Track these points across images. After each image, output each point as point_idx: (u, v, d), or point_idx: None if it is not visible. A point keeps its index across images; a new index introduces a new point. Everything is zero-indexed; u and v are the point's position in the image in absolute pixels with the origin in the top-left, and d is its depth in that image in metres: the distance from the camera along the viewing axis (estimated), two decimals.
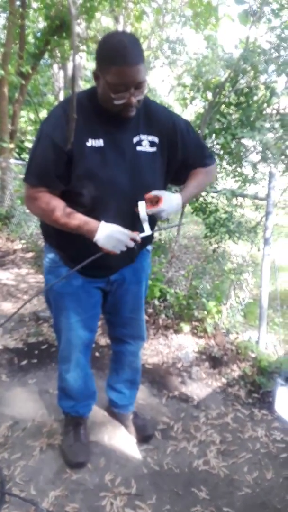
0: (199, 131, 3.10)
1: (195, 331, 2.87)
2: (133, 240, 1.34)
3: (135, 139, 1.39)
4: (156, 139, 1.43)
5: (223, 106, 3.39)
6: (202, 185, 1.60)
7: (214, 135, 3.28)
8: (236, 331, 2.91)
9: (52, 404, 2.07)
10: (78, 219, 1.34)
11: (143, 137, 1.40)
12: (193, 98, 3.72)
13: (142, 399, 2.17)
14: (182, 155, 1.49)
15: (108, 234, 1.31)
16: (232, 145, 3.27)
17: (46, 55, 7.52)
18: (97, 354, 2.57)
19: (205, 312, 2.87)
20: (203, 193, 3.29)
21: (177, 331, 2.85)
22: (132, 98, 1.24)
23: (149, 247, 1.76)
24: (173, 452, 1.84)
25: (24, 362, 2.46)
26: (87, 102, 1.34)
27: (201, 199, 3.30)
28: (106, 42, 1.24)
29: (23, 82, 6.04)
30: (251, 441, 1.95)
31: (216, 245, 3.31)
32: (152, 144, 1.42)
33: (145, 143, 1.41)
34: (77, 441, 1.76)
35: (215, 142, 3.34)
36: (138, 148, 1.40)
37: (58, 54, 8.22)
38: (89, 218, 1.35)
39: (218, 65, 3.47)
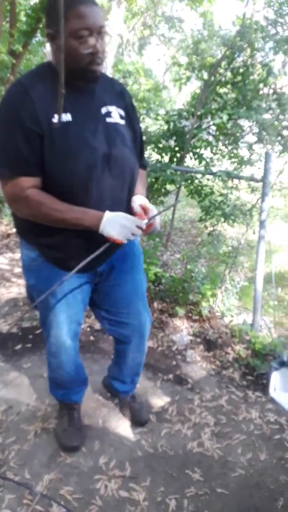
0: (195, 111, 3.03)
1: (190, 314, 2.86)
2: (139, 227, 1.27)
3: (103, 110, 1.30)
4: (122, 112, 1.36)
5: (219, 85, 3.30)
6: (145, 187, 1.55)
7: (210, 115, 3.21)
8: (231, 314, 2.91)
9: (47, 389, 2.06)
10: (76, 211, 1.25)
11: (110, 108, 1.32)
12: (188, 78, 3.63)
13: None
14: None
15: (115, 221, 1.23)
16: (229, 126, 3.20)
17: (38, 33, 7.29)
18: (92, 338, 2.56)
19: (200, 296, 2.85)
20: (198, 175, 3.24)
21: (172, 314, 2.84)
22: (98, 45, 1.17)
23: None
24: (168, 435, 1.85)
25: (19, 347, 2.45)
26: (44, 76, 1.23)
27: (196, 181, 3.25)
28: None
29: (14, 61, 5.85)
30: (245, 423, 1.97)
31: (211, 228, 3.28)
32: (121, 116, 1.36)
33: (115, 114, 1.33)
34: (71, 425, 1.76)
35: (211, 123, 3.27)
36: (108, 119, 1.31)
37: None
38: (86, 208, 1.26)
39: (214, 43, 3.37)
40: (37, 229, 1.31)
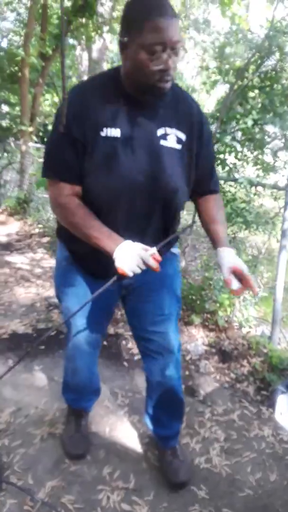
0: (220, 116, 2.97)
1: (206, 323, 2.80)
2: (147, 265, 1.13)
3: (159, 132, 1.20)
4: (183, 136, 1.24)
5: (246, 89, 3.23)
6: (224, 218, 1.41)
7: (235, 120, 3.15)
8: (249, 325, 2.83)
9: (56, 392, 2.06)
10: (100, 231, 1.18)
11: (169, 130, 1.22)
12: (215, 82, 3.58)
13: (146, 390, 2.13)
14: (200, 166, 1.32)
15: (127, 253, 1.13)
16: (255, 131, 3.12)
17: (69, 37, 7.41)
18: (105, 343, 2.55)
19: (217, 305, 2.79)
20: (221, 181, 3.18)
21: (188, 322, 2.79)
22: (170, 61, 1.06)
23: (176, 250, 1.51)
24: None
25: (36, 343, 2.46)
26: (108, 84, 1.19)
27: None
28: (132, 2, 1.09)
29: (44, 64, 5.97)
30: (256, 440, 1.90)
31: (232, 236, 3.20)
32: (179, 140, 1.23)
33: (171, 138, 1.22)
34: (77, 432, 1.74)
35: (236, 128, 3.20)
36: (162, 142, 1.21)
37: (83, 37, 8.06)
38: (112, 232, 1.19)
39: (242, 47, 3.30)
40: (69, 232, 1.28)
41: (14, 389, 2.07)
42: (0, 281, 3.44)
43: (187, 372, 2.35)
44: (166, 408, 1.63)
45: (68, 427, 1.77)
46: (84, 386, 1.70)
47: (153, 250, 1.15)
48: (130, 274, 1.13)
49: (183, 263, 3.27)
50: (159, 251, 1.18)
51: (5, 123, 6.65)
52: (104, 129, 1.17)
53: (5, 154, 6.17)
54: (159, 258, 1.14)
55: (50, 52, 5.94)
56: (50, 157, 1.24)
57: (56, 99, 10.42)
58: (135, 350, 2.50)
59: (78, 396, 1.74)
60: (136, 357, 2.43)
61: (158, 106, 1.20)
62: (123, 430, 1.87)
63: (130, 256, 1.12)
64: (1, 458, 1.64)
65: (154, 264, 1.13)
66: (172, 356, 1.52)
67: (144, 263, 1.12)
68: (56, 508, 1.45)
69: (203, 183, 1.37)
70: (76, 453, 1.69)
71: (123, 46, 1.11)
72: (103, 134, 1.16)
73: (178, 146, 1.24)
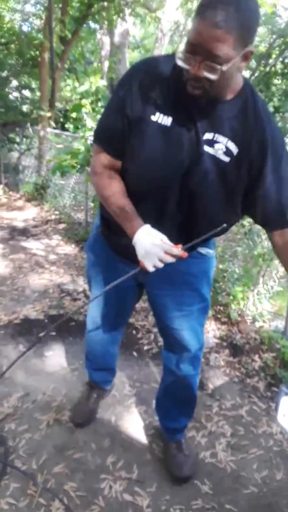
0: None
1: (219, 316, 2.76)
2: (170, 254, 1.07)
3: (207, 135, 1.08)
4: (235, 150, 1.09)
5: (268, 75, 3.12)
6: None
7: None
8: (263, 320, 2.77)
9: (65, 379, 2.08)
10: (126, 212, 1.15)
11: (220, 138, 1.08)
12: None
13: (155, 381, 2.11)
14: (257, 189, 1.11)
15: (144, 241, 1.08)
16: (277, 119, 3.02)
17: (90, 20, 7.31)
18: None
19: (231, 297, 2.74)
20: None
21: None
22: (195, 69, 0.94)
23: (205, 250, 1.37)
24: None
25: (43, 334, 2.47)
26: (170, 69, 1.07)
27: None
28: None
29: (63, 48, 5.90)
30: (264, 437, 1.86)
31: (248, 227, 3.12)
32: (228, 152, 1.09)
33: (219, 146, 1.08)
34: (83, 400, 1.85)
35: None
36: (206, 148, 1.08)
37: (105, 21, 7.94)
38: (137, 216, 1.14)
39: (265, 31, 3.18)
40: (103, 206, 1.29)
41: (23, 374, 2.09)
42: (15, 266, 3.46)
43: None
44: (177, 402, 1.62)
45: (81, 393, 1.90)
46: (97, 361, 1.80)
47: (176, 250, 1.07)
48: (151, 269, 1.08)
49: None
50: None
51: (25, 108, 6.65)
52: (157, 114, 1.09)
53: (24, 140, 6.17)
54: (180, 250, 1.07)
55: (70, 36, 5.85)
56: (100, 123, 1.22)
57: (77, 85, 10.36)
58: (145, 340, 2.48)
59: (93, 368, 1.83)
60: (146, 347, 2.41)
61: (219, 109, 1.07)
62: (129, 420, 1.86)
63: (150, 248, 1.06)
64: (7, 442, 1.66)
65: (178, 252, 1.06)
66: (188, 353, 1.49)
67: (167, 253, 1.06)
68: (58, 495, 1.46)
69: (273, 215, 1.15)
70: (75, 421, 1.78)
71: (245, 57, 1.00)
72: (154, 118, 1.09)
73: (225, 158, 1.09)
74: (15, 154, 6.50)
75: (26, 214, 5.12)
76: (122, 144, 1.15)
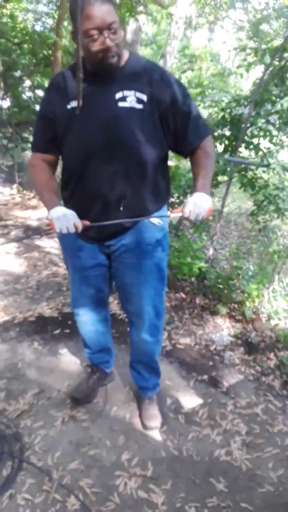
0: (252, 97, 2.83)
1: (233, 314, 2.73)
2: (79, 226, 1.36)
3: (117, 95, 1.33)
4: (144, 97, 1.34)
5: (284, 69, 3.06)
6: (210, 168, 1.46)
7: (270, 102, 2.99)
8: (279, 317, 2.73)
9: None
10: (45, 197, 1.42)
11: (128, 93, 1.33)
12: (250, 64, 3.41)
13: (169, 379, 2.11)
14: (173, 123, 1.40)
15: (56, 215, 1.34)
16: None
17: None
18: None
19: (245, 295, 2.71)
20: (252, 167, 3.05)
21: (214, 312, 2.74)
22: (107, 41, 1.23)
23: (157, 220, 1.52)
24: (195, 439, 1.78)
25: (57, 331, 2.49)
26: (68, 69, 1.42)
27: (250, 173, 3.07)
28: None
29: (76, 46, 5.91)
30: (280, 435, 1.84)
31: (263, 224, 3.09)
32: (139, 101, 1.33)
33: (131, 99, 1.33)
34: (85, 381, 1.95)
35: (271, 110, 3.05)
36: (121, 104, 1.33)
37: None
38: (51, 198, 1.40)
39: (281, 24, 3.12)
40: (61, 183, 1.53)
41: (38, 372, 2.11)
42: (29, 264, 3.50)
43: (211, 363, 2.31)
44: (143, 365, 1.82)
45: (83, 376, 2.03)
46: (92, 343, 1.88)
47: (80, 225, 1.35)
48: (57, 230, 1.34)
49: (210, 251, 3.19)
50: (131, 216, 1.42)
51: (38, 107, 6.69)
52: (71, 102, 1.35)
53: None
54: (83, 222, 1.36)
55: None
56: (34, 135, 1.52)
57: None
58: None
59: (89, 350, 1.92)
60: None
61: (116, 75, 1.33)
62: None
63: (57, 216, 1.34)
64: (23, 438, 1.68)
65: (78, 226, 1.34)
66: (145, 321, 1.66)
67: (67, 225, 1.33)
68: (73, 491, 1.47)
69: (186, 140, 1.44)
70: (74, 396, 1.89)
71: (72, 36, 1.33)
72: (69, 106, 1.36)
73: (139, 106, 1.33)
74: (28, 154, 6.55)
75: (40, 213, 5.16)
76: (54, 144, 1.44)
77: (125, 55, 1.36)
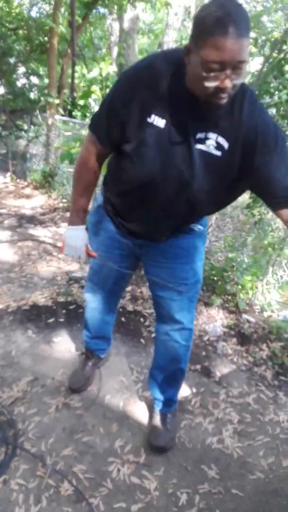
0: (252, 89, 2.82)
1: (227, 305, 2.75)
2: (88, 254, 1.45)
3: (199, 135, 1.14)
4: (226, 144, 1.14)
5: (282, 62, 3.05)
6: None
7: (269, 95, 2.99)
8: (271, 309, 2.76)
9: (74, 365, 2.09)
10: (74, 205, 1.43)
11: (210, 135, 1.13)
12: (251, 54, 3.39)
13: None
14: (259, 174, 1.15)
15: (70, 237, 1.43)
16: None
17: (100, 5, 7.19)
18: (123, 319, 2.55)
19: (239, 287, 2.73)
20: None
21: (208, 303, 2.75)
22: (226, 81, 0.98)
23: (197, 227, 1.44)
24: (188, 426, 1.80)
25: (51, 320, 2.49)
26: (173, 68, 1.11)
27: None
28: (205, 8, 0.99)
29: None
30: (271, 424, 1.87)
31: (259, 217, 3.10)
32: (219, 147, 1.14)
33: (210, 142, 1.14)
34: (81, 369, 1.96)
35: (270, 102, 3.04)
36: (198, 146, 1.14)
37: (115, 6, 7.81)
38: (80, 211, 1.44)
39: (280, 16, 3.10)
40: (108, 179, 1.45)
41: (32, 359, 2.11)
42: (23, 253, 3.48)
43: (204, 353, 2.33)
44: (165, 373, 1.68)
45: (78, 362, 2.03)
46: (94, 329, 1.89)
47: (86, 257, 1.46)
48: (64, 253, 1.45)
49: (206, 243, 3.20)
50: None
51: (33, 95, 6.60)
52: (153, 116, 1.14)
53: (32, 127, 6.14)
54: (93, 254, 1.45)
55: (80, 20, 5.78)
56: (96, 114, 1.30)
57: (85, 71, 10.24)
58: (153, 327, 2.49)
59: (89, 336, 1.93)
60: (153, 335, 2.42)
61: (209, 110, 1.11)
62: (137, 406, 1.88)
63: (70, 244, 1.43)
64: (17, 425, 1.69)
65: (83, 260, 1.46)
66: (177, 325, 1.57)
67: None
68: (67, 476, 1.48)
69: (279, 196, 1.17)
70: (70, 386, 1.91)
71: (187, 50, 1.04)
72: (149, 120, 1.14)
73: (217, 153, 1.15)
74: (22, 142, 6.48)
75: (34, 202, 5.13)
76: (111, 139, 1.26)
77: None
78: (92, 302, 1.80)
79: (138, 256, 1.57)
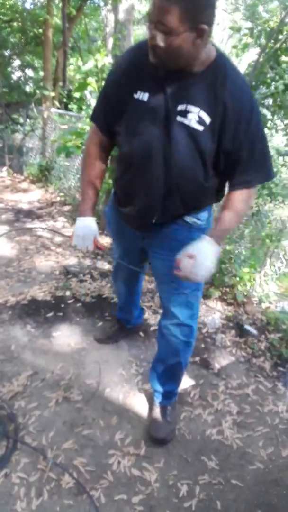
0: (249, 80, 2.81)
1: (225, 297, 2.76)
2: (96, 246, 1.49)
3: (180, 107, 1.18)
4: (208, 119, 1.18)
5: (279, 52, 3.02)
6: (239, 218, 1.35)
7: (265, 85, 2.97)
8: (269, 301, 2.77)
9: (73, 359, 2.10)
10: (83, 197, 1.48)
11: (192, 109, 1.17)
12: (246, 45, 3.36)
13: None
14: (224, 159, 1.24)
15: (79, 228, 1.46)
16: (287, 97, 2.94)
17: None
18: None
19: (237, 279, 2.73)
20: None
21: (206, 296, 2.76)
22: (150, 37, 1.07)
23: (193, 220, 1.44)
24: (187, 418, 1.81)
25: (50, 314, 2.49)
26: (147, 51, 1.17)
27: None
28: None
29: (68, 25, 5.76)
30: (270, 415, 1.88)
31: (256, 208, 3.09)
32: (201, 122, 1.18)
33: (192, 116, 1.17)
34: (109, 327, 2.27)
35: (267, 93, 3.02)
36: (179, 118, 1.18)
37: None
38: (88, 201, 1.47)
39: (276, 6, 3.06)
40: (116, 168, 1.49)
41: (32, 354, 2.11)
42: (21, 248, 3.47)
43: (202, 345, 2.34)
44: (166, 366, 1.70)
45: (108, 325, 2.31)
46: (121, 301, 2.17)
47: (93, 246, 1.48)
48: (73, 244, 1.48)
49: None
50: (167, 215, 1.37)
51: (28, 88, 6.54)
52: (138, 92, 1.23)
53: (28, 121, 6.10)
54: (100, 245, 1.49)
55: (74, 12, 5.71)
56: (96, 103, 1.41)
57: (81, 63, 10.13)
58: (152, 321, 2.50)
59: (119, 306, 2.22)
60: (152, 328, 2.43)
61: (190, 81, 1.17)
62: (136, 398, 1.89)
63: (79, 234, 1.46)
64: (17, 419, 1.69)
65: (91, 250, 1.50)
66: (176, 319, 1.57)
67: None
68: (68, 469, 1.49)
69: (233, 175, 1.29)
70: (96, 337, 2.24)
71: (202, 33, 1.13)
72: (136, 96, 1.23)
73: (199, 127, 1.18)
74: (18, 136, 6.44)
75: (30, 196, 5.11)
76: (111, 124, 1.34)
77: (207, 60, 1.17)
78: (117, 282, 2.03)
79: (144, 248, 1.62)
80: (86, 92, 3.47)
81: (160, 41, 1.07)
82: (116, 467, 1.55)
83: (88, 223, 1.46)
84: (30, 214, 4.41)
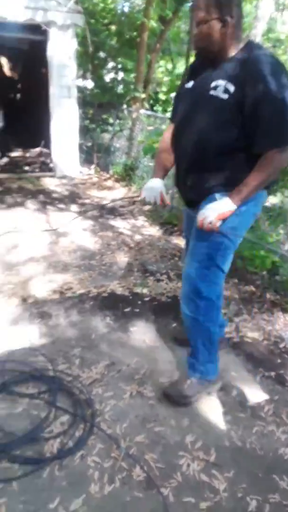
0: None
1: None
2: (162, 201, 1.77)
3: (213, 84, 1.51)
4: (232, 88, 1.47)
5: None
6: (261, 177, 1.53)
7: None
8: None
9: (147, 355, 2.15)
10: (157, 161, 1.87)
11: (220, 82, 1.49)
12: None
13: (234, 371, 2.11)
14: (249, 120, 1.49)
15: (145, 187, 1.78)
16: None
17: (188, 1, 7.13)
18: None
19: None
20: None
21: (285, 309, 2.65)
22: (193, 31, 1.54)
23: (217, 196, 1.62)
24: (259, 433, 1.77)
25: (128, 310, 2.58)
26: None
27: None
28: None
29: (163, 27, 5.85)
30: None
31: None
32: (226, 91, 1.47)
33: (220, 88, 1.48)
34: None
35: None
36: (212, 92, 1.50)
37: None
38: (158, 172, 1.81)
39: None
40: None
41: (109, 345, 2.21)
42: (103, 243, 3.63)
43: (279, 360, 2.25)
44: (190, 338, 1.89)
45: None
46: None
47: (161, 201, 1.76)
48: (142, 196, 1.79)
49: (286, 246, 3.07)
50: (193, 190, 1.70)
51: (120, 89, 6.78)
52: (189, 82, 1.66)
53: (117, 121, 6.32)
54: (165, 200, 1.76)
55: (170, 15, 5.78)
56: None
57: (170, 66, 10.25)
58: (227, 328, 2.46)
59: None
60: (228, 335, 2.39)
61: (223, 64, 1.52)
62: (209, 404, 1.88)
63: (147, 187, 1.78)
64: (94, 405, 1.78)
65: (158, 201, 1.76)
66: (185, 289, 1.79)
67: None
68: (139, 462, 1.54)
69: (254, 138, 1.51)
70: (174, 336, 2.30)
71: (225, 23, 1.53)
72: (187, 86, 1.68)
73: (224, 96, 1.48)
74: (107, 135, 6.71)
75: (114, 194, 5.30)
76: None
77: (237, 47, 1.52)
78: None
79: None
80: (173, 95, 3.52)
81: (195, 30, 1.51)
82: (185, 469, 1.56)
83: (155, 181, 1.77)
84: (113, 212, 4.58)
